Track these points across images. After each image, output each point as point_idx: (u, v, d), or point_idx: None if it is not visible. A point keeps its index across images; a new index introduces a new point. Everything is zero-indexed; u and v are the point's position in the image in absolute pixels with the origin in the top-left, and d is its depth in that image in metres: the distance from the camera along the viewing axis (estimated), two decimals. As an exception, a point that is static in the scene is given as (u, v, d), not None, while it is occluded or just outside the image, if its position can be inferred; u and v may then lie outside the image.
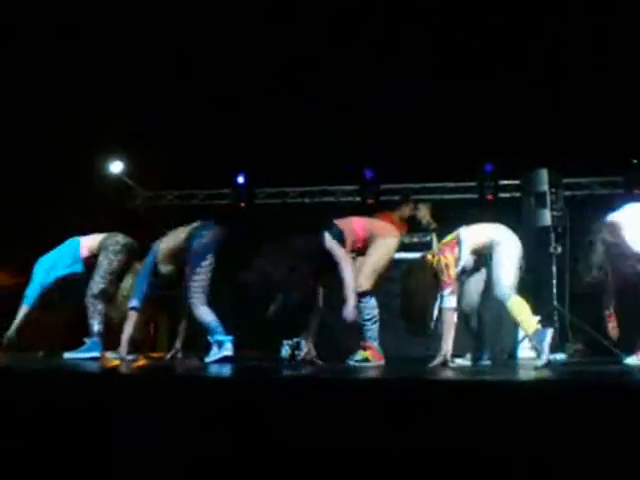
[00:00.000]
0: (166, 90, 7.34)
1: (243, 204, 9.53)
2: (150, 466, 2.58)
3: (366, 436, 2.43)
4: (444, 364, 4.46)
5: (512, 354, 6.45)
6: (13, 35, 6.48)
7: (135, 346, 5.62)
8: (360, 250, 5.04)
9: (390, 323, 5.01)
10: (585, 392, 2.47)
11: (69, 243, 5.68)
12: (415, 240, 7.09)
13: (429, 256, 4.77)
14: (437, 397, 2.50)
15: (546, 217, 6.93)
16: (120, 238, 5.57)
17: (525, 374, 3.89)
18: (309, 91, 7.43)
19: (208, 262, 5.09)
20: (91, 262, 5.54)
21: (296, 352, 6.74)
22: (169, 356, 5.57)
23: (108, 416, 2.71)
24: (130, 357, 5.29)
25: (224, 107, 7.64)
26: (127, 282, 5.66)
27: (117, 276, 5.56)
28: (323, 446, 2.45)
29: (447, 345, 4.50)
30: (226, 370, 4.01)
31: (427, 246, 6.75)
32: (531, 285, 6.33)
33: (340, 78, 7.12)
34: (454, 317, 4.55)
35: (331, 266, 4.87)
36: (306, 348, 5.18)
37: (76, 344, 5.36)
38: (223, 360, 4.75)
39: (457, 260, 4.62)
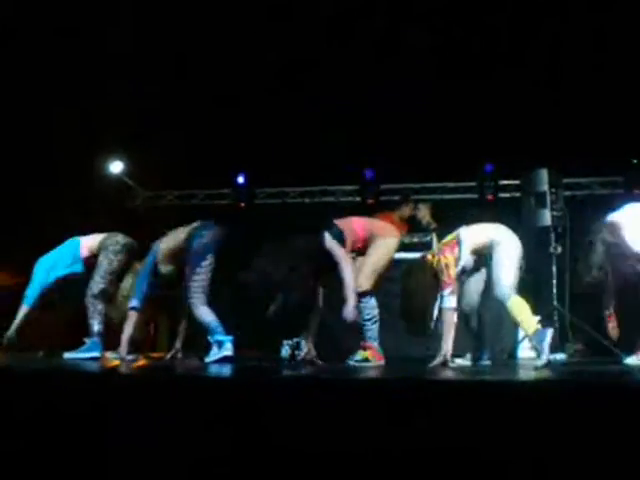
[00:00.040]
0: (166, 90, 7.34)
1: (243, 204, 9.53)
2: (150, 466, 2.58)
3: (366, 436, 2.43)
4: (444, 364, 4.46)
5: (512, 354, 6.45)
6: (13, 35, 6.48)
7: (135, 346, 5.62)
8: (360, 250, 5.04)
9: (390, 323, 5.00)
10: (585, 392, 2.47)
11: (69, 243, 5.69)
12: (415, 240, 7.10)
13: (429, 256, 4.77)
14: (437, 397, 2.50)
15: (546, 217, 6.93)
16: (120, 238, 5.57)
17: (525, 374, 3.89)
18: (309, 91, 7.43)
19: (208, 262, 5.09)
20: (91, 262, 5.54)
21: (296, 352, 6.74)
22: (169, 356, 5.57)
23: (108, 416, 2.71)
24: (130, 357, 5.28)
25: (224, 107, 7.64)
26: (127, 282, 5.66)
27: (117, 276, 5.56)
28: (323, 446, 2.45)
29: (447, 345, 4.50)
30: (226, 370, 4.01)
31: (427, 246, 6.75)
32: (531, 285, 6.33)
33: (340, 78, 7.11)
34: (454, 317, 4.55)
35: (331, 266, 4.87)
36: (306, 348, 5.18)
37: (76, 344, 5.37)
38: (223, 360, 4.75)
39: (457, 260, 4.62)
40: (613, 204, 4.97)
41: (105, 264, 5.46)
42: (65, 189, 7.76)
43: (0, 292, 6.63)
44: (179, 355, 5.64)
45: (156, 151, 7.97)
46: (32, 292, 5.51)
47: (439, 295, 4.60)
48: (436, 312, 4.65)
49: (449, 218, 6.59)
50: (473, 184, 9.20)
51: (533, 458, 2.29)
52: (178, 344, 5.69)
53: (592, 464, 2.26)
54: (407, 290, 4.71)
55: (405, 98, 7.11)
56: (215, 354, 4.82)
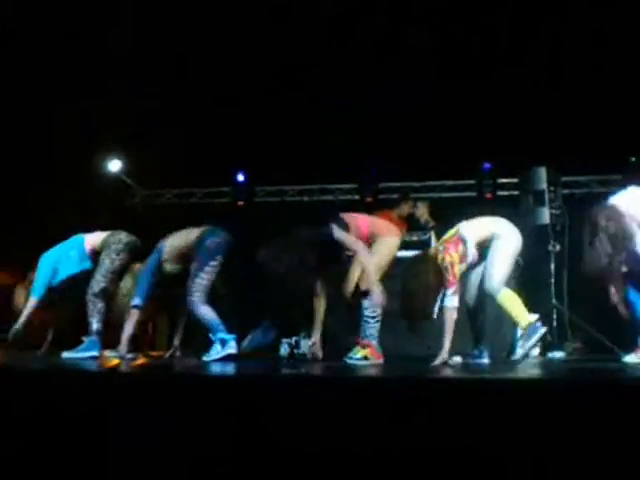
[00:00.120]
0: (164, 89, 7.33)
1: (242, 202, 9.53)
2: (150, 464, 2.58)
3: (366, 435, 2.44)
4: (445, 363, 4.46)
5: (512, 352, 6.45)
6: (13, 35, 6.48)
7: (134, 345, 5.63)
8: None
9: (390, 322, 5.00)
10: (584, 390, 2.47)
11: (73, 240, 5.68)
12: (414, 238, 7.10)
13: (432, 250, 4.77)
14: (437, 396, 2.50)
15: (544, 215, 6.95)
16: (123, 236, 5.56)
17: (525, 372, 3.89)
18: (309, 91, 7.43)
19: (217, 263, 5.09)
20: (94, 259, 5.55)
21: (295, 351, 6.76)
22: (167, 355, 5.58)
23: (107, 415, 2.72)
24: (129, 356, 5.29)
25: (222, 106, 7.64)
26: (126, 282, 5.67)
27: (118, 275, 5.57)
28: (323, 445, 2.46)
29: (448, 343, 4.50)
30: (225, 368, 4.01)
31: (426, 244, 6.76)
32: (529, 283, 6.35)
33: (340, 78, 7.11)
34: (454, 316, 4.55)
35: (335, 258, 4.90)
36: (313, 339, 5.19)
37: (76, 343, 5.37)
38: (227, 358, 4.76)
39: (464, 257, 4.59)
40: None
41: (107, 263, 5.46)
42: (64, 188, 7.75)
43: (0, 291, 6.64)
44: (177, 354, 5.65)
45: (154, 150, 7.97)
46: (38, 285, 5.52)
47: (442, 293, 4.60)
48: (436, 310, 4.64)
49: (448, 216, 6.59)
50: (472, 182, 9.22)
51: (533, 456, 2.29)
52: (176, 342, 5.70)
53: (591, 462, 2.26)
54: (409, 283, 4.68)
55: (404, 97, 7.11)
56: (218, 352, 4.81)
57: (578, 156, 7.52)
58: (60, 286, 5.61)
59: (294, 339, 6.87)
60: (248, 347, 5.90)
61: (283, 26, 6.72)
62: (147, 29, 6.60)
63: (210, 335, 4.91)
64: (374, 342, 4.83)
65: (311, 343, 5.21)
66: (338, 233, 4.83)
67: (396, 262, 5.07)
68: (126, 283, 5.69)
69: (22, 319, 5.47)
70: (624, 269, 4.70)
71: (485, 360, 4.85)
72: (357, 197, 9.37)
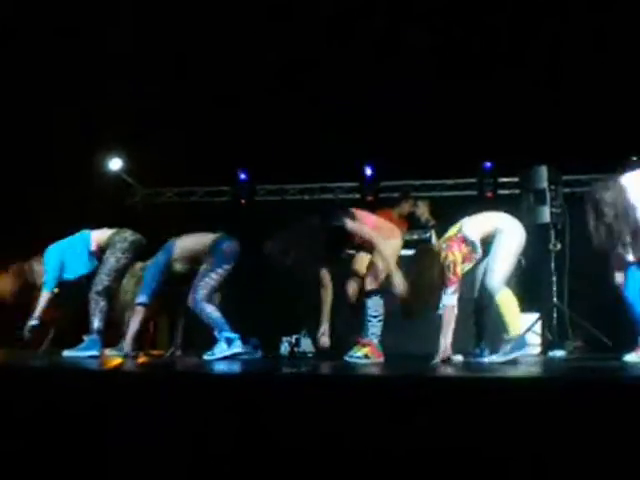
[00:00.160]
0: (165, 88, 7.33)
1: (243, 201, 9.53)
2: (150, 463, 2.58)
3: (366, 434, 2.44)
4: (444, 361, 4.46)
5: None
6: (13, 35, 6.47)
7: (136, 343, 5.63)
8: (360, 245, 5.03)
9: (389, 320, 5.00)
10: (585, 389, 2.47)
11: (80, 236, 5.68)
12: (415, 237, 7.09)
13: (436, 246, 4.76)
14: (437, 394, 2.50)
15: (545, 214, 6.94)
16: (129, 235, 5.56)
17: (525, 371, 3.89)
18: (309, 91, 7.42)
19: (229, 268, 5.14)
20: (99, 257, 5.54)
21: (295, 349, 6.76)
22: (168, 353, 5.58)
23: (108, 414, 2.72)
24: (131, 354, 5.30)
25: (223, 104, 7.64)
26: (128, 280, 5.68)
27: (122, 273, 5.57)
28: (323, 444, 2.46)
29: (446, 341, 4.50)
30: (226, 367, 4.02)
31: (426, 243, 6.75)
32: (530, 282, 6.35)
33: (340, 77, 7.11)
34: (454, 314, 4.55)
35: (340, 250, 4.96)
36: (321, 329, 5.23)
37: (78, 341, 5.37)
38: (233, 357, 4.77)
39: (468, 257, 4.57)
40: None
41: (112, 261, 5.45)
42: (64, 187, 7.75)
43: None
44: (178, 352, 5.66)
45: (155, 148, 7.96)
46: (49, 280, 5.51)
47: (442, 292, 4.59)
48: (441, 306, 4.63)
49: (448, 215, 6.60)
50: (473, 181, 9.21)
51: (533, 455, 2.29)
52: (177, 341, 5.71)
53: (591, 460, 2.26)
54: (415, 278, 4.67)
55: (405, 96, 7.11)
56: (224, 351, 4.83)
57: (579, 155, 7.51)
58: (67, 282, 5.60)
59: (294, 337, 6.88)
60: None
61: (283, 26, 6.72)
62: (147, 29, 6.59)
63: (215, 333, 4.92)
64: (375, 341, 4.83)
65: (320, 333, 5.24)
66: (352, 224, 4.85)
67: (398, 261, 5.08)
68: (128, 281, 5.70)
69: (36, 314, 5.46)
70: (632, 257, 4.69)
71: (486, 359, 4.85)
72: (358, 196, 9.36)
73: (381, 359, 4.76)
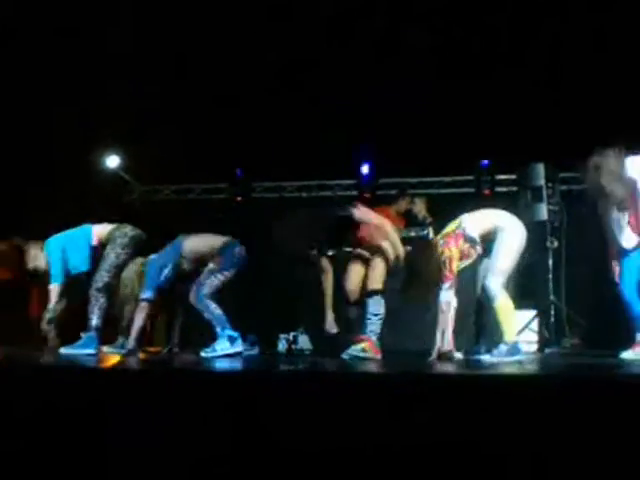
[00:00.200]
0: (163, 86, 7.32)
1: (240, 198, 9.52)
2: (148, 460, 2.58)
3: (364, 431, 2.44)
4: (440, 357, 4.47)
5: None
6: (13, 35, 6.46)
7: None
8: (359, 242, 5.04)
9: (389, 319, 5.01)
10: (582, 386, 2.48)
11: (81, 230, 5.64)
12: (412, 234, 7.10)
13: (433, 242, 4.76)
14: (436, 391, 2.51)
15: (542, 211, 6.96)
16: (129, 230, 5.54)
17: (523, 368, 3.90)
18: (309, 90, 7.42)
19: (235, 271, 5.21)
20: (100, 251, 5.52)
21: (293, 346, 6.78)
22: (165, 350, 5.59)
23: (106, 411, 2.72)
24: (125, 351, 5.30)
25: (221, 102, 7.63)
26: (128, 272, 5.68)
27: (122, 269, 5.56)
28: (322, 441, 2.46)
29: (446, 336, 4.51)
30: (223, 364, 4.02)
31: (424, 240, 6.75)
32: (527, 279, 6.36)
33: (339, 77, 7.10)
34: (450, 310, 4.55)
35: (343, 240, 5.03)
36: (328, 317, 5.34)
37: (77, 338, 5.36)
38: (234, 355, 4.79)
39: (465, 254, 4.58)
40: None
41: (112, 257, 5.43)
42: (62, 184, 7.74)
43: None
44: (175, 349, 5.66)
45: (153, 146, 7.96)
46: (56, 272, 5.48)
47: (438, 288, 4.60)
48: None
49: (446, 212, 6.61)
50: (470, 178, 9.19)
51: (531, 451, 2.30)
52: (174, 339, 5.71)
53: (589, 457, 2.27)
54: (418, 267, 4.68)
55: (402, 94, 7.10)
56: (225, 349, 4.84)
57: (576, 152, 7.50)
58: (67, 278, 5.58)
59: (292, 334, 6.89)
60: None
61: (283, 26, 6.71)
62: (147, 29, 6.59)
63: (217, 331, 4.93)
64: (374, 338, 4.84)
65: (328, 321, 5.28)
66: (359, 213, 4.91)
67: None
68: (128, 274, 5.70)
69: (51, 306, 5.45)
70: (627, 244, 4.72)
71: (485, 356, 4.85)
72: (355, 193, 9.35)
73: (378, 356, 4.77)
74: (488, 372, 3.43)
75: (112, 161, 9.32)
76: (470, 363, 4.36)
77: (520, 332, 6.06)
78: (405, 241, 5.61)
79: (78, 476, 2.63)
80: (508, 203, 7.57)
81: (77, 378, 3.05)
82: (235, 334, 4.89)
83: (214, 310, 4.98)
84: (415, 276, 4.67)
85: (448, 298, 4.55)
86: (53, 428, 2.70)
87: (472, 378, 3.01)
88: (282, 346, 6.84)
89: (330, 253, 5.55)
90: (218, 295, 5.14)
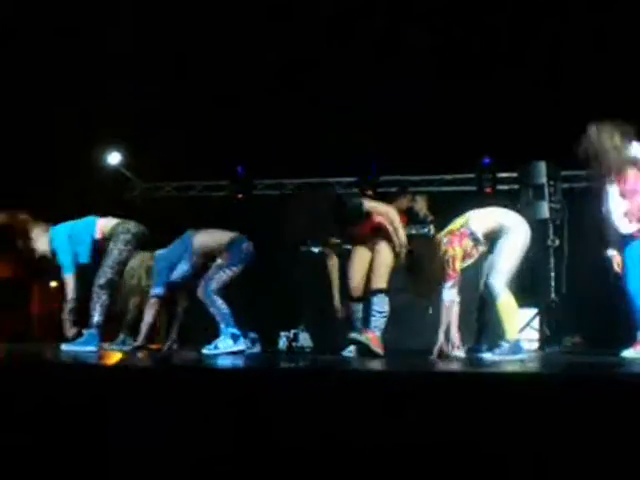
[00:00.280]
0: (164, 85, 7.33)
1: (241, 195, 9.52)
2: (150, 457, 2.59)
3: (365, 429, 2.44)
4: (440, 355, 4.47)
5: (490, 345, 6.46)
6: (13, 35, 6.47)
7: (134, 337, 5.64)
8: (362, 236, 5.05)
9: (391, 317, 5.00)
10: (583, 385, 2.48)
11: (85, 221, 5.61)
12: (413, 232, 7.10)
13: (437, 239, 4.75)
14: (437, 390, 2.51)
15: (544, 209, 6.95)
16: (132, 226, 5.52)
17: (524, 367, 3.89)
18: (309, 90, 7.43)
19: (242, 267, 5.21)
20: (102, 245, 5.50)
21: (293, 344, 6.78)
22: (165, 347, 5.59)
23: (107, 408, 2.72)
24: (126, 348, 5.30)
25: (222, 100, 7.64)
26: (135, 265, 5.69)
27: (125, 265, 5.55)
28: (322, 439, 2.46)
29: (453, 334, 4.52)
30: (224, 362, 4.02)
31: (425, 238, 6.76)
32: (528, 278, 6.35)
33: (340, 77, 7.11)
34: (452, 309, 4.55)
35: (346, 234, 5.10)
36: (335, 303, 5.49)
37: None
38: (237, 353, 4.80)
39: (469, 253, 4.57)
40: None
41: (115, 253, 5.40)
42: (63, 181, 7.75)
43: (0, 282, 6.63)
44: (175, 346, 5.66)
45: (154, 143, 7.97)
46: (65, 261, 5.43)
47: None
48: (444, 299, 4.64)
49: (447, 210, 6.61)
50: (471, 176, 9.20)
51: (531, 451, 2.30)
52: (174, 335, 5.71)
53: (590, 456, 2.27)
54: (424, 264, 4.68)
55: (404, 93, 7.11)
56: (228, 347, 4.86)
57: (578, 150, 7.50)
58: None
59: (292, 332, 6.90)
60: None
61: (283, 26, 6.72)
62: (147, 29, 6.59)
63: (221, 327, 4.94)
64: (378, 333, 4.83)
65: (339, 311, 5.44)
66: (368, 202, 4.96)
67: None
68: (135, 265, 5.71)
69: (69, 297, 5.42)
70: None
71: (487, 354, 4.84)
72: (356, 190, 9.35)
73: (381, 351, 4.75)
74: (489, 370, 3.43)
75: (113, 158, 9.35)
76: (472, 361, 4.36)
77: (521, 330, 6.05)
78: (407, 239, 5.63)
79: (79, 473, 2.63)
80: (510, 201, 7.61)
81: (78, 375, 3.05)
82: (238, 332, 4.90)
83: (220, 306, 5.00)
84: (418, 274, 4.66)
85: (451, 297, 4.54)
86: (54, 426, 2.70)
87: (474, 376, 3.01)
88: (283, 344, 6.85)
89: (337, 241, 5.59)
90: (225, 291, 5.16)
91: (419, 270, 4.66)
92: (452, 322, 4.57)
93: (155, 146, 8.07)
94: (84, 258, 5.52)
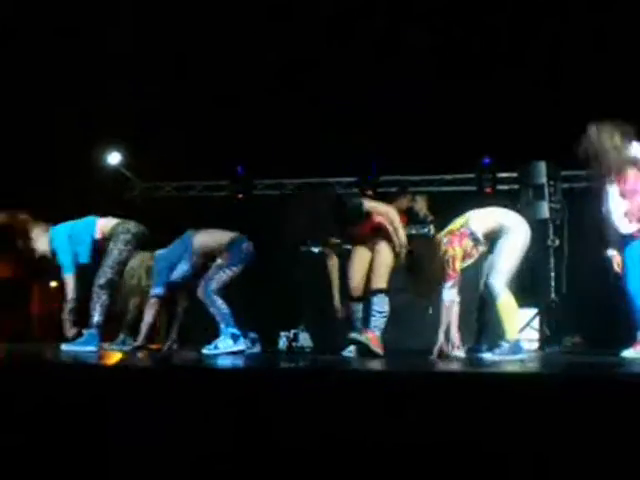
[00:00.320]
0: (164, 85, 7.33)
1: (241, 195, 9.52)
2: (150, 457, 2.59)
3: (365, 428, 2.44)
4: (440, 356, 4.47)
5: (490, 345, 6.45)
6: (13, 35, 6.47)
7: (134, 337, 5.64)
8: (362, 236, 5.05)
9: (391, 317, 5.00)
10: (583, 385, 2.48)
11: (86, 221, 5.61)
12: (413, 232, 7.10)
13: (437, 238, 4.75)
14: (436, 389, 2.51)
15: (544, 210, 6.95)
16: (132, 226, 5.52)
17: (524, 367, 3.89)
18: (309, 90, 7.43)
19: (242, 267, 5.21)
20: (102, 245, 5.49)
21: (293, 344, 6.78)
22: (165, 347, 5.59)
23: (107, 407, 2.72)
24: (126, 347, 5.30)
25: (222, 100, 7.64)
26: (135, 264, 5.69)
27: (124, 265, 5.55)
28: (322, 439, 2.46)
29: (453, 334, 4.52)
30: (224, 362, 4.02)
31: (425, 238, 6.76)
32: (528, 278, 6.35)
33: (340, 77, 7.11)
34: (453, 309, 4.55)
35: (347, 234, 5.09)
36: (335, 303, 5.48)
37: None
38: (237, 353, 4.80)
39: (469, 253, 4.56)
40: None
41: (115, 253, 5.40)
42: (63, 180, 7.75)
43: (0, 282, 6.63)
44: (174, 346, 5.66)
45: (154, 143, 7.97)
46: (66, 261, 5.42)
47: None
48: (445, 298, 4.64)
49: (447, 210, 6.61)
50: (471, 176, 9.20)
51: (532, 450, 2.30)
52: (173, 335, 5.71)
53: (590, 456, 2.27)
54: (425, 263, 4.68)
55: (404, 93, 7.11)
56: (229, 346, 4.86)
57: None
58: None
59: (292, 332, 6.90)
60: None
61: (283, 26, 6.72)
62: (147, 29, 6.59)
63: (221, 327, 4.94)
64: (377, 333, 4.84)
65: (335, 306, 5.43)
66: (368, 203, 4.96)
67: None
68: (135, 265, 5.71)
69: (69, 297, 5.41)
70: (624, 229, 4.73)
71: (487, 354, 4.83)
72: (356, 190, 9.35)
73: (381, 351, 4.75)
74: (489, 370, 3.43)
75: (113, 158, 9.34)
76: (472, 361, 4.35)
77: (521, 330, 6.05)
78: (407, 239, 5.63)
79: (80, 473, 2.63)
80: (510, 201, 7.61)
81: (78, 375, 3.05)
82: (238, 332, 4.91)
83: (220, 306, 5.00)
84: (418, 274, 4.66)
85: (451, 297, 4.54)
86: (54, 426, 2.70)
87: (474, 376, 3.01)
88: (283, 344, 6.85)
89: (337, 241, 5.60)
90: (224, 291, 5.15)
91: (419, 270, 4.66)
92: (452, 322, 4.57)
93: (155, 146, 8.07)
94: (84, 258, 5.52)
